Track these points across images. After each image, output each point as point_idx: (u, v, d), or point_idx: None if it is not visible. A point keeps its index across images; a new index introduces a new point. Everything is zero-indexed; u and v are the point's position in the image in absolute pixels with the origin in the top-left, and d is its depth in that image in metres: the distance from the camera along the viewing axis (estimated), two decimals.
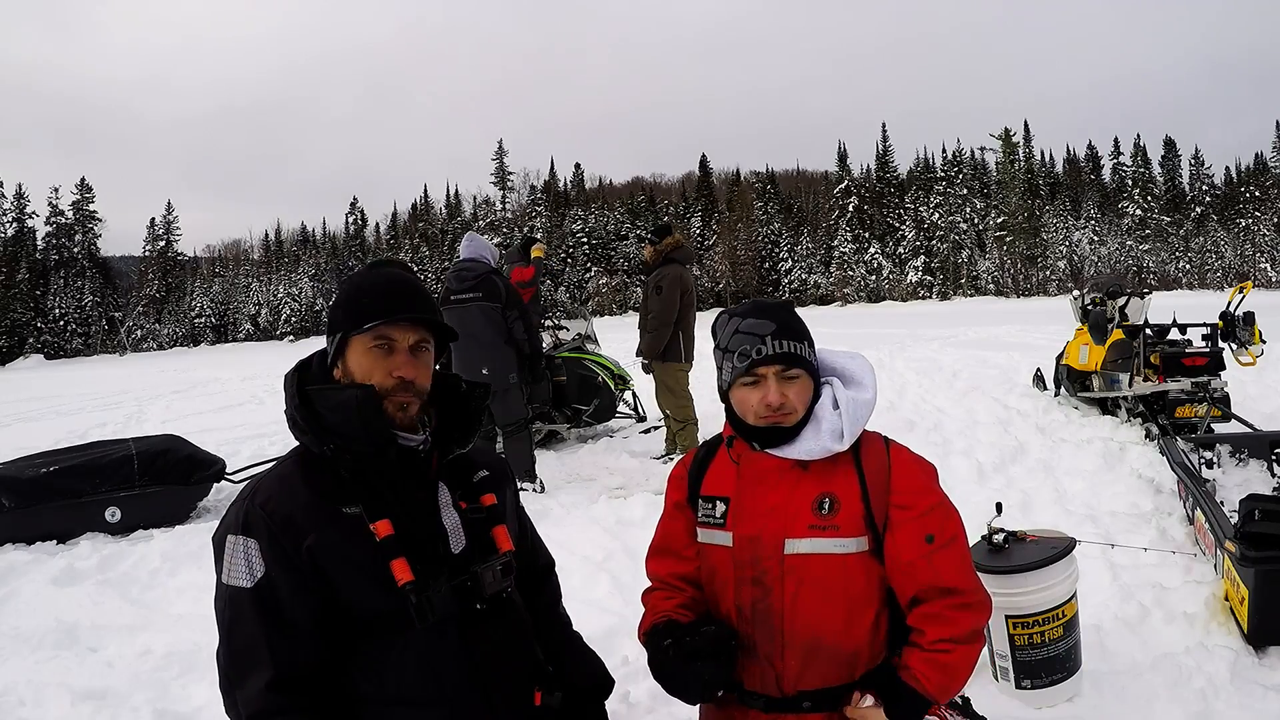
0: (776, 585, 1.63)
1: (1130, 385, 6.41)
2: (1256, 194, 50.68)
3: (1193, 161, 58.08)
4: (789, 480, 1.67)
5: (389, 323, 1.50)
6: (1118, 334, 6.88)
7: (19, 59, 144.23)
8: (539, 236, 13.66)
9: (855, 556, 1.63)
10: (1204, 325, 6.25)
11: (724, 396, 1.74)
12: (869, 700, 1.61)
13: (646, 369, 6.52)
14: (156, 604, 4.15)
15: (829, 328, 25.85)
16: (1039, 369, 8.72)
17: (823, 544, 1.62)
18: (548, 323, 8.18)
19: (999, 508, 2.96)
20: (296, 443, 1.57)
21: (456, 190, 76.95)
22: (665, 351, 6.37)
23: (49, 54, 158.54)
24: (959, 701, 2.40)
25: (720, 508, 1.71)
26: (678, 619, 1.69)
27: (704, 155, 73.28)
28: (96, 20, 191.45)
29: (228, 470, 5.99)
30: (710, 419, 6.76)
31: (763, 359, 1.64)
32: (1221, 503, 3.72)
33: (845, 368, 1.76)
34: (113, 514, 5.36)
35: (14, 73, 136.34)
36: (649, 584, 1.85)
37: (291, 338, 56.84)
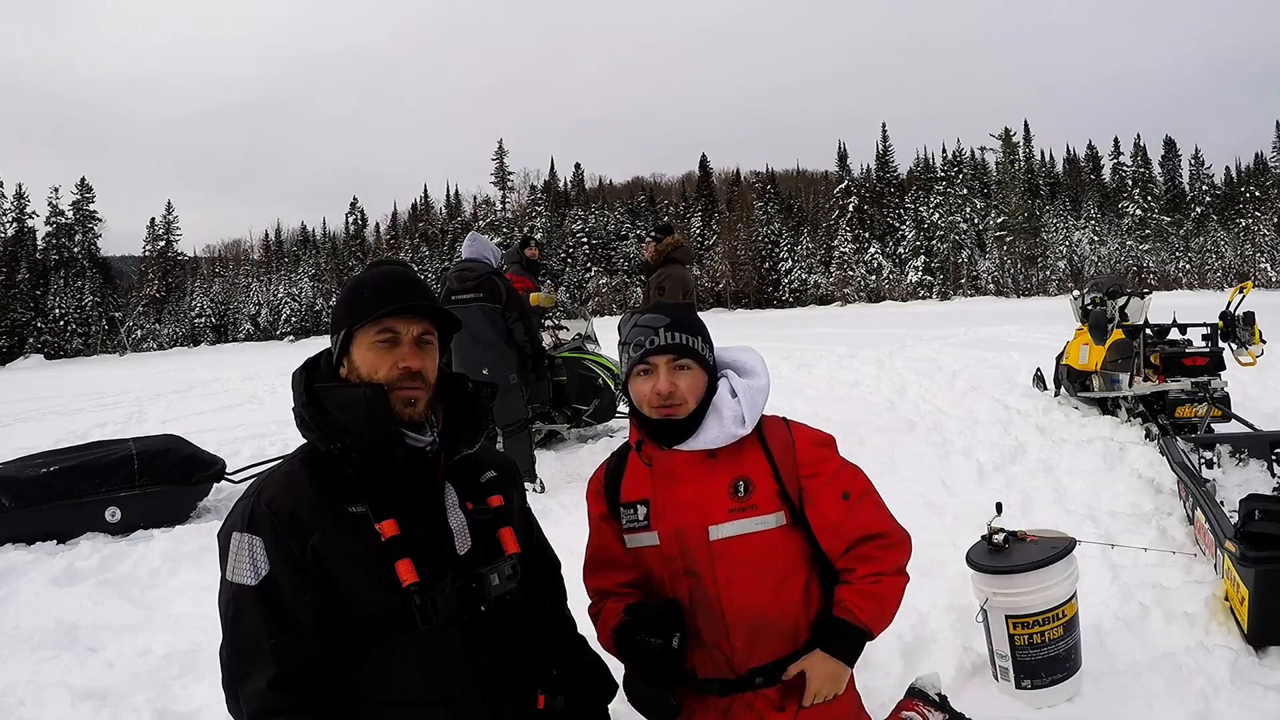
0: (708, 572, 1.71)
1: (1130, 385, 6.41)
2: (1256, 194, 50.68)
3: (1193, 161, 58.08)
4: (701, 471, 1.74)
5: (392, 314, 1.50)
6: (1118, 334, 6.88)
7: (13, 58, 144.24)
8: (537, 237, 13.65)
9: (776, 531, 1.73)
10: (1204, 325, 6.24)
11: (626, 391, 1.80)
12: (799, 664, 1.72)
13: None
14: (156, 604, 4.15)
15: (829, 327, 25.86)
16: (1039, 369, 8.72)
17: (745, 524, 1.71)
18: (548, 323, 8.17)
19: (999, 508, 2.97)
20: (297, 443, 1.57)
21: (456, 190, 76.78)
22: None
23: (43, 53, 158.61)
24: (936, 698, 2.42)
25: (641, 510, 1.78)
26: None
27: (704, 155, 73.13)
28: (90, 19, 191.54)
29: (228, 470, 5.99)
30: None
31: (655, 349, 1.72)
32: (1221, 503, 3.72)
33: (738, 360, 1.86)
34: (113, 514, 5.36)
35: (9, 72, 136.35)
36: (590, 601, 1.89)
37: (291, 338, 56.81)
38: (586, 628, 1.88)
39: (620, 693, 1.78)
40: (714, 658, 1.73)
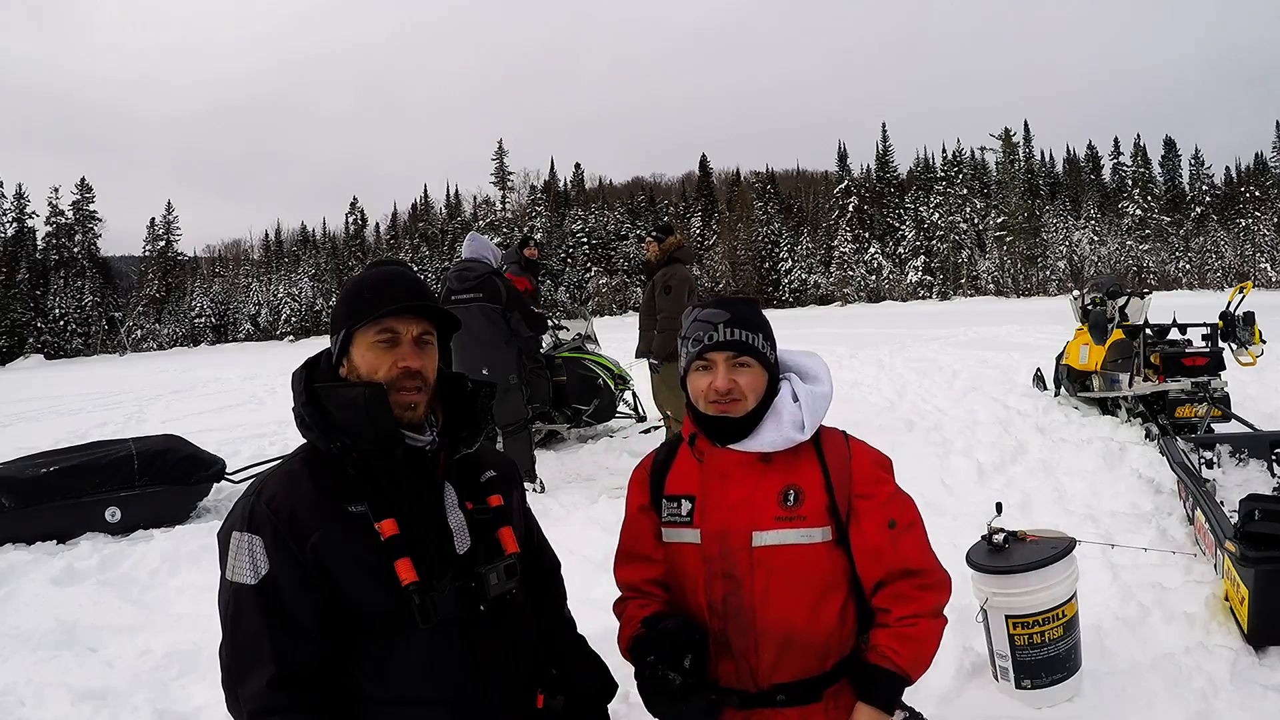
0: (746, 578, 1.66)
1: (1130, 385, 6.42)
2: (1256, 194, 50.65)
3: (1193, 161, 58.10)
4: (753, 474, 1.70)
5: (392, 315, 1.50)
6: (1118, 334, 6.89)
7: (11, 58, 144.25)
8: (536, 237, 13.72)
9: (821, 546, 1.67)
10: (1204, 325, 6.25)
11: (684, 385, 1.77)
12: None
13: (655, 369, 6.49)
14: (156, 604, 4.16)
15: (829, 327, 25.85)
16: (1039, 369, 8.73)
17: (790, 535, 1.66)
18: (548, 323, 8.18)
19: (999, 508, 2.97)
20: (297, 443, 1.57)
21: (456, 190, 76.71)
22: (671, 352, 6.39)
23: (42, 53, 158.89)
24: None
25: (686, 506, 1.74)
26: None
27: (704, 155, 73.13)
28: (88, 19, 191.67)
29: (228, 470, 5.99)
30: None
31: (713, 345, 1.69)
32: (1221, 503, 3.72)
33: (802, 365, 1.81)
34: (113, 514, 5.36)
35: (7, 72, 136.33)
36: (618, 594, 1.86)
37: (291, 338, 56.78)
38: (586, 628, 1.88)
39: (620, 692, 1.78)
40: (739, 668, 1.68)
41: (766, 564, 1.65)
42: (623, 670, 2.90)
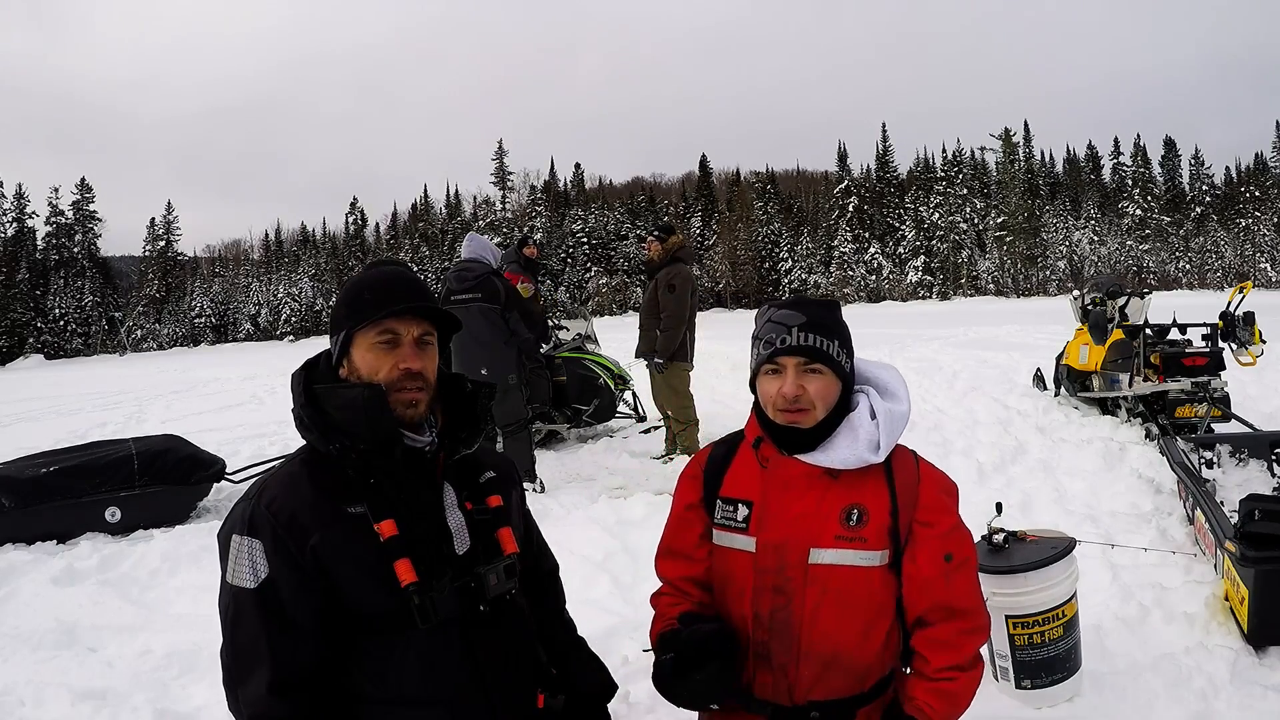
0: (798, 594, 1.61)
1: (1130, 385, 6.42)
2: (1256, 194, 50.70)
3: (1193, 161, 58.14)
4: (818, 488, 1.63)
5: (393, 316, 1.50)
6: (1118, 334, 6.89)
7: (11, 57, 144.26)
8: (536, 237, 13.74)
9: (878, 570, 1.61)
10: (1204, 325, 6.26)
11: (753, 387, 1.71)
12: None
13: (660, 368, 6.47)
14: (156, 604, 4.16)
15: None
16: (1039, 369, 8.73)
17: (849, 555, 1.60)
18: (548, 323, 8.18)
19: (999, 508, 2.97)
20: (297, 443, 1.57)
21: (456, 190, 76.71)
22: (676, 351, 6.40)
23: (41, 53, 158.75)
24: None
25: (743, 511, 1.67)
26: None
27: (704, 155, 73.06)
28: (88, 18, 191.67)
29: (228, 470, 5.99)
30: (710, 419, 6.76)
31: (785, 349, 1.62)
32: (1221, 503, 3.72)
33: (880, 378, 1.73)
34: (113, 514, 5.37)
35: (7, 72, 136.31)
36: (658, 585, 1.82)
37: (291, 338, 56.79)
38: (586, 628, 1.87)
39: (620, 692, 1.78)
40: (776, 681, 1.63)
41: (820, 582, 1.60)
42: (622, 671, 2.91)
